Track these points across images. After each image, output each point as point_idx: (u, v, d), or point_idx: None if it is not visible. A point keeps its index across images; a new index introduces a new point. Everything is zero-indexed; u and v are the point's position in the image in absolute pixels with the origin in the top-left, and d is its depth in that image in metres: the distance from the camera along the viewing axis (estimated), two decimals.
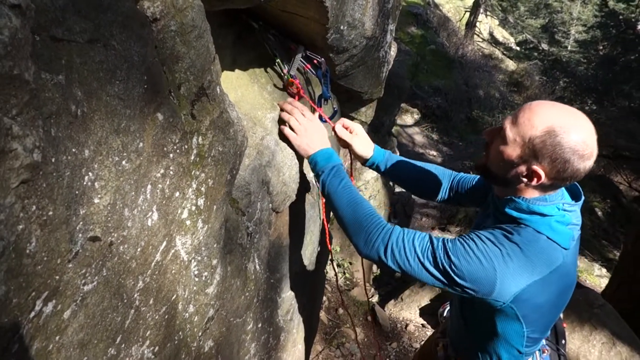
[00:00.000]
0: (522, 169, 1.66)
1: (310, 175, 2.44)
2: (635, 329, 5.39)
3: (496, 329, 1.82)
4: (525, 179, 1.68)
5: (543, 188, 1.69)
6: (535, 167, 1.62)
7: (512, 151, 1.66)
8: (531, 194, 1.72)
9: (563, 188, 1.77)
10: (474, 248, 1.67)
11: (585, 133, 1.56)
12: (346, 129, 2.36)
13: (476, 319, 1.88)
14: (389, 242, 1.78)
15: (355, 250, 1.90)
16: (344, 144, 2.38)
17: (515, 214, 1.72)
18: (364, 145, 2.36)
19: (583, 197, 1.80)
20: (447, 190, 2.41)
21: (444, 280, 1.72)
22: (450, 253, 1.70)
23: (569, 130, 1.55)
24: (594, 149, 1.58)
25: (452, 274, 1.68)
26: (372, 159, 2.39)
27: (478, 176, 2.27)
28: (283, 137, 2.16)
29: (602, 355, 4.74)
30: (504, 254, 1.64)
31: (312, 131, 2.12)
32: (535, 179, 1.64)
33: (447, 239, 1.76)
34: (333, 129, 2.38)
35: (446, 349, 2.34)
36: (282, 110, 2.16)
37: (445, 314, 5.68)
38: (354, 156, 2.43)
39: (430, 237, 1.79)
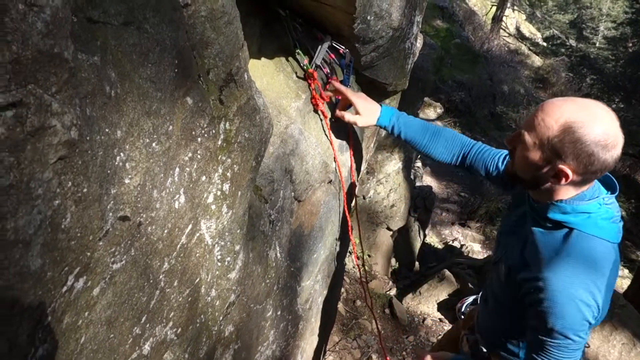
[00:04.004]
0: (548, 170, 1.63)
1: (332, 166, 2.44)
2: None
3: None
4: (553, 179, 1.65)
5: (576, 185, 1.66)
6: (561, 167, 1.59)
7: (534, 155, 1.64)
8: (566, 193, 1.69)
9: (598, 182, 1.74)
10: (546, 306, 1.64)
11: (603, 123, 1.53)
12: (343, 100, 2.32)
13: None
14: None
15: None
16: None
17: (560, 217, 1.68)
18: (368, 115, 2.33)
19: (618, 187, 1.77)
20: (459, 156, 2.37)
21: (571, 346, 1.68)
22: (548, 327, 1.67)
23: (586, 124, 1.52)
24: (618, 136, 1.54)
25: (568, 335, 1.65)
26: (378, 123, 2.38)
27: (502, 153, 2.24)
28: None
29: (622, 355, 4.69)
30: (566, 280, 1.61)
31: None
32: (564, 178, 1.61)
33: (533, 325, 1.75)
34: (334, 118, 2.37)
35: (473, 345, 2.32)
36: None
37: (464, 309, 5.65)
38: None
39: (533, 342, 1.78)
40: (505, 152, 2.20)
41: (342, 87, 2.26)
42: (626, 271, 10.62)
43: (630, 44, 15.73)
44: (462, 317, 5.64)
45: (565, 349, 1.68)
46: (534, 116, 1.64)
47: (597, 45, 21.83)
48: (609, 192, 1.75)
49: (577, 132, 1.52)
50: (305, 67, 2.20)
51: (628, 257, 11.58)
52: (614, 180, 1.78)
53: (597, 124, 1.52)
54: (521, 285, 1.77)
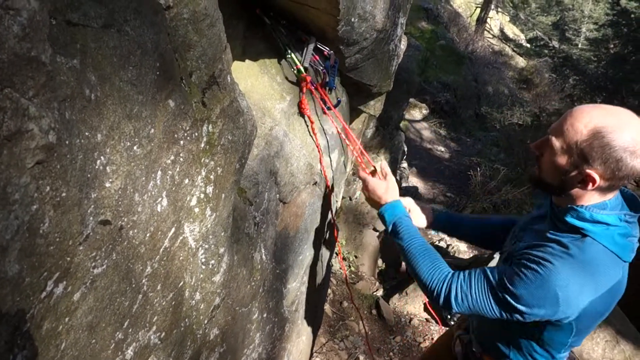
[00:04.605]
0: (576, 174, 1.64)
1: (317, 167, 2.44)
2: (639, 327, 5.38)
3: (542, 336, 1.81)
4: (580, 184, 1.65)
5: (601, 190, 1.66)
6: (589, 171, 1.59)
7: (562, 159, 1.64)
8: (590, 199, 1.69)
9: (622, 199, 1.74)
10: (530, 275, 1.64)
11: (633, 129, 1.54)
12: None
13: (519, 324, 1.86)
14: (451, 294, 1.79)
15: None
16: None
17: (578, 223, 1.68)
18: (419, 220, 2.37)
19: None
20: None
21: (510, 312, 1.70)
22: (508, 285, 1.67)
23: (615, 129, 1.53)
24: None
25: (516, 305, 1.66)
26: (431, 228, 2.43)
27: None
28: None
29: (606, 352, 4.74)
30: (562, 274, 1.61)
31: (375, 191, 2.20)
32: (591, 183, 1.61)
33: (504, 270, 1.74)
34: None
35: (466, 345, 2.32)
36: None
37: (456, 314, 5.67)
38: None
39: (485, 274, 1.78)
40: None
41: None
42: None
43: (612, 45, 15.92)
44: (449, 316, 5.67)
45: (496, 304, 1.71)
46: (563, 121, 1.64)
47: (580, 46, 22.04)
48: (633, 212, 1.75)
49: (606, 137, 1.53)
50: (296, 72, 2.20)
51: None
52: (639, 200, 1.78)
53: (626, 130, 1.53)
54: (522, 255, 1.74)
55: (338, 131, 2.58)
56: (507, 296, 1.68)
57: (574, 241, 1.67)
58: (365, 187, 2.24)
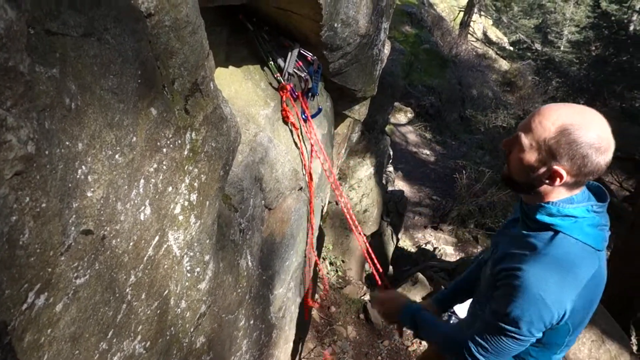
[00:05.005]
0: (543, 171, 1.67)
1: (301, 175, 2.44)
2: (624, 326, 5.44)
3: (541, 340, 1.83)
4: (547, 181, 1.68)
5: (568, 186, 1.70)
6: (556, 167, 1.63)
7: (531, 156, 1.68)
8: (557, 195, 1.72)
9: (589, 191, 1.78)
10: (511, 291, 1.67)
11: (598, 127, 1.58)
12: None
13: None
14: (474, 354, 1.83)
15: None
16: None
17: (547, 219, 1.72)
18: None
19: (609, 198, 1.82)
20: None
21: (521, 337, 1.71)
22: (501, 312, 1.70)
23: (581, 127, 1.57)
24: (610, 142, 1.60)
25: (520, 327, 1.68)
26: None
27: None
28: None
29: (592, 352, 4.77)
30: (537, 275, 1.63)
31: (388, 305, 2.28)
32: (558, 179, 1.65)
33: (492, 304, 1.78)
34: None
35: None
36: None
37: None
38: None
39: (485, 318, 1.82)
40: None
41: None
42: None
43: (594, 48, 16.08)
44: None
45: (510, 339, 1.73)
46: (531, 119, 1.68)
47: (562, 49, 22.29)
48: (600, 202, 1.79)
49: (572, 134, 1.58)
50: (278, 80, 2.21)
51: None
52: (605, 191, 1.82)
53: (591, 128, 1.58)
54: (499, 274, 1.79)
55: (316, 139, 2.58)
56: (506, 325, 1.70)
57: (544, 239, 1.71)
58: (379, 305, 2.35)
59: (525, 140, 1.68)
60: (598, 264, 1.72)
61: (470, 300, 2.62)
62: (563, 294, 1.65)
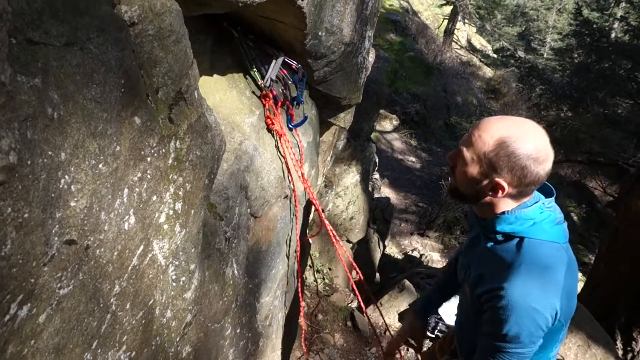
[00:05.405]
0: (486, 183, 1.71)
1: (287, 182, 2.44)
2: (610, 331, 5.48)
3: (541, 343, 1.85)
4: (491, 192, 1.72)
5: (514, 197, 1.74)
6: (498, 180, 1.67)
7: (473, 170, 1.72)
8: (505, 205, 1.76)
9: (536, 191, 1.81)
10: (502, 312, 1.67)
11: (534, 138, 1.63)
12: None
13: None
14: None
15: None
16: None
17: (508, 228, 1.75)
18: (417, 330, 2.48)
19: (555, 190, 1.85)
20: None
21: (525, 350, 1.72)
22: (500, 333, 1.70)
23: (519, 139, 1.61)
24: (548, 151, 1.64)
25: (521, 344, 1.69)
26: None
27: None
28: None
29: (578, 357, 4.81)
30: (521, 289, 1.65)
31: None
32: (500, 191, 1.69)
33: (485, 329, 1.80)
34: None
35: None
36: None
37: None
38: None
39: (484, 346, 1.84)
40: None
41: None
42: (580, 274, 10.91)
43: (576, 55, 16.26)
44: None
45: (516, 355, 1.73)
46: (471, 133, 1.72)
47: (545, 56, 22.56)
48: (547, 197, 1.83)
49: (510, 146, 1.62)
50: (261, 87, 2.21)
51: (581, 260, 11.89)
52: (550, 186, 1.86)
53: (528, 140, 1.62)
54: (480, 298, 1.80)
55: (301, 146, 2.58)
56: (508, 344, 1.71)
57: (511, 250, 1.74)
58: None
59: (467, 154, 1.73)
60: (566, 255, 1.77)
61: (453, 301, 2.64)
62: (550, 296, 1.68)
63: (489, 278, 1.77)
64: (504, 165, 1.63)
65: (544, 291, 1.66)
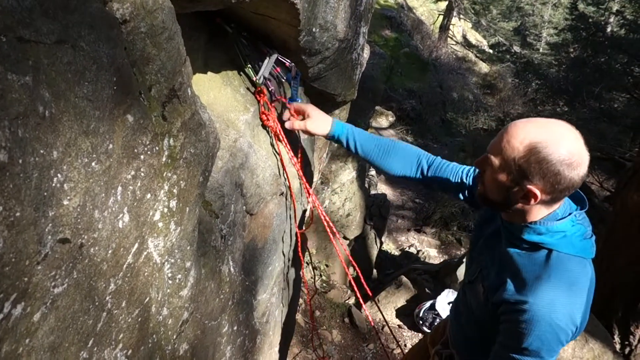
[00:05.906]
0: (517, 191, 1.65)
1: (282, 179, 2.44)
2: (607, 326, 5.51)
3: None
4: (522, 200, 1.66)
5: (546, 204, 1.68)
6: (530, 187, 1.61)
7: (502, 177, 1.66)
8: (538, 213, 1.70)
9: (568, 198, 1.76)
10: (524, 325, 1.65)
11: (567, 142, 1.56)
12: (298, 113, 2.31)
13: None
14: None
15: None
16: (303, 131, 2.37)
17: (536, 238, 1.70)
18: (319, 124, 2.31)
19: (587, 201, 1.80)
20: (418, 170, 2.32)
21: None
22: (519, 346, 1.68)
23: (550, 144, 1.55)
24: (582, 155, 1.57)
25: (538, 358, 1.67)
26: (330, 135, 2.34)
27: (465, 168, 2.24)
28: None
29: (575, 352, 4.83)
30: (546, 304, 1.62)
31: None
32: (533, 199, 1.63)
33: (504, 340, 1.76)
34: (282, 125, 2.34)
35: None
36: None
37: (422, 315, 5.70)
38: (313, 135, 2.48)
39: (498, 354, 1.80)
40: (469, 167, 2.21)
41: (294, 104, 2.27)
42: None
43: (572, 49, 16.27)
44: (421, 322, 5.71)
45: None
46: (499, 139, 1.66)
47: (541, 51, 22.62)
48: (579, 208, 1.78)
49: (542, 152, 1.55)
50: (257, 82, 2.20)
51: None
52: (583, 195, 1.80)
53: (561, 144, 1.55)
54: (500, 305, 1.76)
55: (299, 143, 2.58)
56: (528, 358, 1.69)
57: (539, 261, 1.69)
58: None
59: (495, 161, 1.66)
60: (591, 271, 1.73)
61: (447, 295, 2.63)
62: (573, 313, 1.64)
63: (512, 287, 1.71)
64: (536, 172, 1.57)
65: (569, 308, 1.63)
